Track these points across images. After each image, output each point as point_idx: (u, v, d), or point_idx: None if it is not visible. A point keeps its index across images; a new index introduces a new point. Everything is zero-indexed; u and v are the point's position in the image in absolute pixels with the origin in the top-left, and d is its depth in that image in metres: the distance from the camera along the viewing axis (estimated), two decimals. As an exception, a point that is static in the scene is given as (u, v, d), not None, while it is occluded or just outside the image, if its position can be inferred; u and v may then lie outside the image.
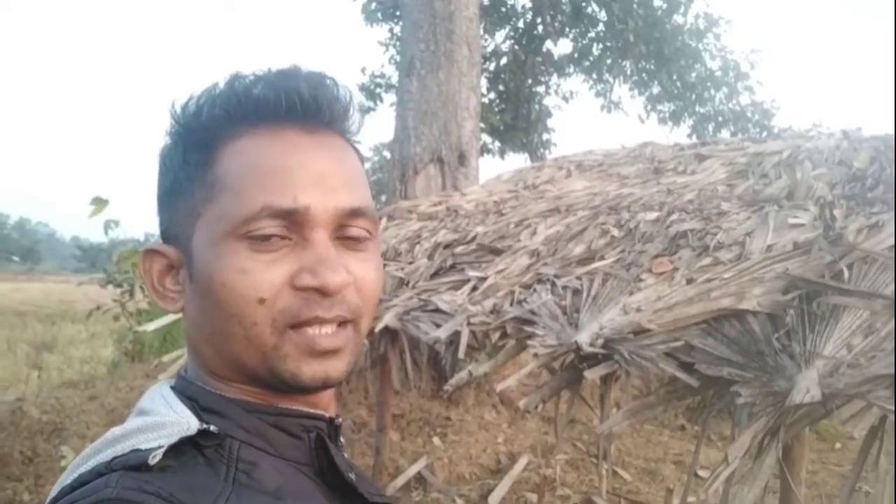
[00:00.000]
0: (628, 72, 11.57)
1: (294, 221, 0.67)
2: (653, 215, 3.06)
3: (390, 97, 11.89)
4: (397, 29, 11.26)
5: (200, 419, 0.65)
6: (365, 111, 12.06)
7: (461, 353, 2.37)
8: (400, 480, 5.18)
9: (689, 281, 2.26)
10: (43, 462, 4.88)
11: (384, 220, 4.41)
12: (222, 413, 0.68)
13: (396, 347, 3.17)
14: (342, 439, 0.78)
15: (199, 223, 0.69)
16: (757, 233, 2.53)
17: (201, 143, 0.70)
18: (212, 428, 0.64)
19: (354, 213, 0.70)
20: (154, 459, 0.59)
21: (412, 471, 5.31)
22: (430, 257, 3.41)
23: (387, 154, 16.18)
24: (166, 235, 0.74)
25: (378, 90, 12.60)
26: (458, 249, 3.37)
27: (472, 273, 2.96)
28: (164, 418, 0.66)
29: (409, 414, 6.28)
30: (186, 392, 0.71)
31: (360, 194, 0.72)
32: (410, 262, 3.43)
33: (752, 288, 2.07)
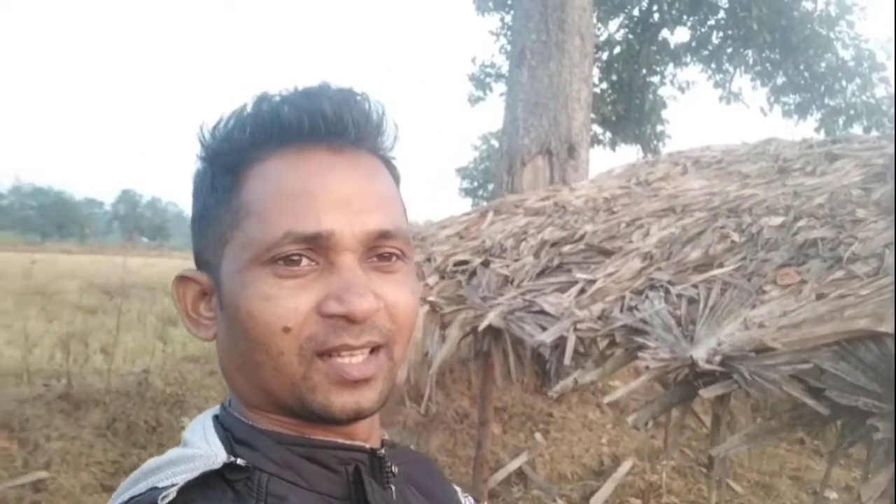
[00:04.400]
0: (750, 61, 10.98)
1: (319, 246, 0.64)
2: (778, 220, 2.87)
3: (500, 87, 11.83)
4: (508, 18, 11.15)
5: (233, 451, 0.65)
6: (474, 101, 12.07)
7: (567, 360, 2.30)
8: (500, 474, 5.16)
9: (820, 296, 2.09)
10: (165, 431, 5.20)
11: (490, 215, 4.37)
12: (253, 445, 0.66)
13: (499, 345, 3.13)
14: (394, 469, 0.72)
15: (226, 249, 0.67)
16: (898, 244, 2.31)
17: (228, 167, 0.69)
18: (238, 461, 0.63)
19: (384, 236, 0.67)
20: (164, 501, 0.58)
21: (513, 465, 5.28)
22: (537, 255, 3.35)
23: (495, 143, 16.10)
24: (199, 261, 0.73)
25: (488, 80, 12.54)
26: (566, 248, 3.29)
27: (580, 275, 2.87)
28: (195, 451, 0.65)
29: (512, 408, 6.24)
30: (225, 422, 0.70)
31: (391, 215, 0.69)
32: (515, 260, 3.38)
33: (891, 308, 1.88)
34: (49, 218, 70.42)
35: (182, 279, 0.72)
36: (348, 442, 0.69)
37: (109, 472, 4.46)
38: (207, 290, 0.71)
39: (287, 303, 0.63)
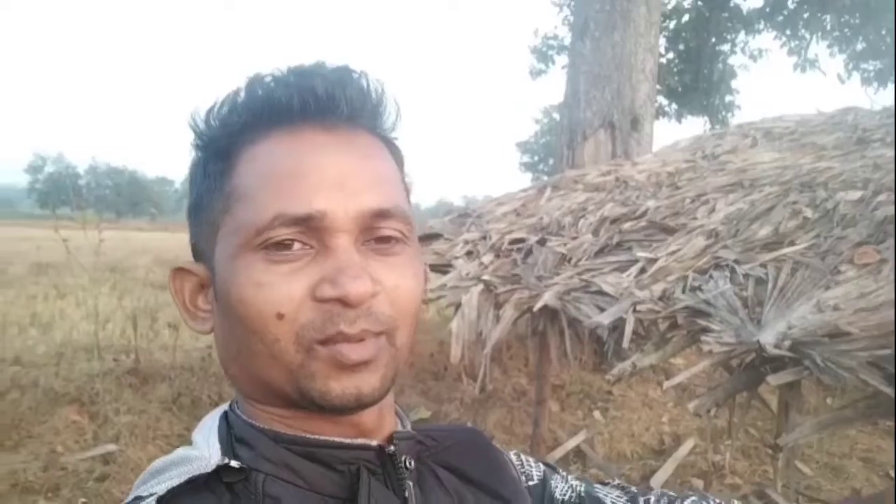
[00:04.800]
0: (828, 26, 10.41)
1: (311, 228, 0.60)
2: (856, 195, 2.69)
3: (563, 59, 11.57)
4: (572, -12, 10.86)
5: (231, 451, 0.63)
6: (536, 74, 11.86)
7: (625, 343, 2.21)
8: (558, 453, 5.10)
9: (902, 276, 1.95)
10: (227, 406, 5.33)
11: (548, 191, 4.27)
12: (250, 444, 0.64)
13: (556, 326, 3.05)
14: (410, 463, 0.67)
15: (219, 236, 0.64)
16: None
17: (220, 152, 0.65)
18: (232, 463, 0.60)
19: (381, 215, 0.62)
20: None
21: (571, 444, 5.21)
22: (596, 233, 3.24)
23: (556, 117, 15.84)
24: (195, 252, 0.69)
25: (550, 52, 12.30)
26: (627, 226, 3.17)
27: (640, 253, 2.76)
28: (193, 452, 0.63)
29: (570, 385, 6.16)
30: (230, 420, 0.67)
31: (389, 194, 0.64)
32: (574, 238, 3.28)
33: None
34: (124, 196, 73.27)
35: (179, 271, 0.69)
36: (348, 441, 0.64)
37: (175, 445, 4.53)
38: (205, 282, 0.67)
39: (280, 289, 0.59)
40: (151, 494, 0.58)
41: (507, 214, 4.02)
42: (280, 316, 0.60)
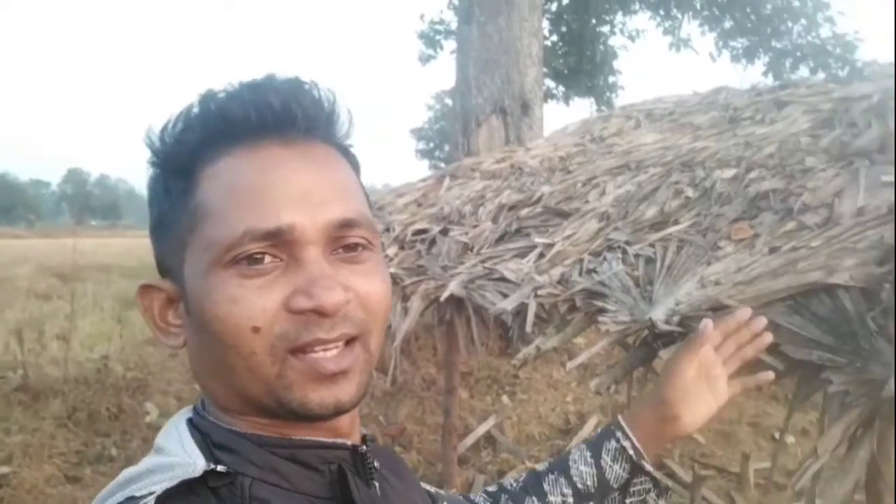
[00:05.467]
0: (698, 6, 11.00)
1: (281, 241, 0.63)
2: (730, 173, 2.88)
3: (451, 44, 11.66)
4: (456, -27, 10.93)
5: (212, 456, 0.64)
6: (425, 60, 11.91)
7: (528, 327, 2.30)
8: (469, 440, 5.22)
9: (773, 250, 2.12)
10: (128, 418, 5.13)
11: (447, 180, 4.34)
12: (233, 449, 0.65)
13: (462, 314, 3.12)
14: (377, 464, 0.72)
15: (187, 253, 0.66)
16: (847, 193, 2.34)
17: (180, 169, 0.67)
18: (219, 468, 0.62)
19: (347, 225, 0.66)
20: None
21: (481, 430, 5.34)
22: (495, 220, 3.33)
23: (449, 102, 15.93)
24: (161, 268, 0.71)
25: (438, 37, 12.36)
26: (524, 212, 3.28)
27: (538, 239, 2.87)
28: (173, 458, 0.64)
29: (478, 372, 6.30)
30: (200, 427, 0.69)
31: (352, 204, 0.67)
32: (474, 226, 3.36)
33: (843, 259, 1.91)
34: (-6, 201, 68.20)
35: (146, 288, 0.70)
36: (329, 440, 0.68)
37: (73, 463, 4.40)
38: (174, 297, 0.69)
39: (254, 302, 0.61)
40: (150, 493, 0.59)
41: (409, 205, 4.06)
42: (256, 329, 0.62)
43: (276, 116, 0.64)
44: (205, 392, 0.71)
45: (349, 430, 0.71)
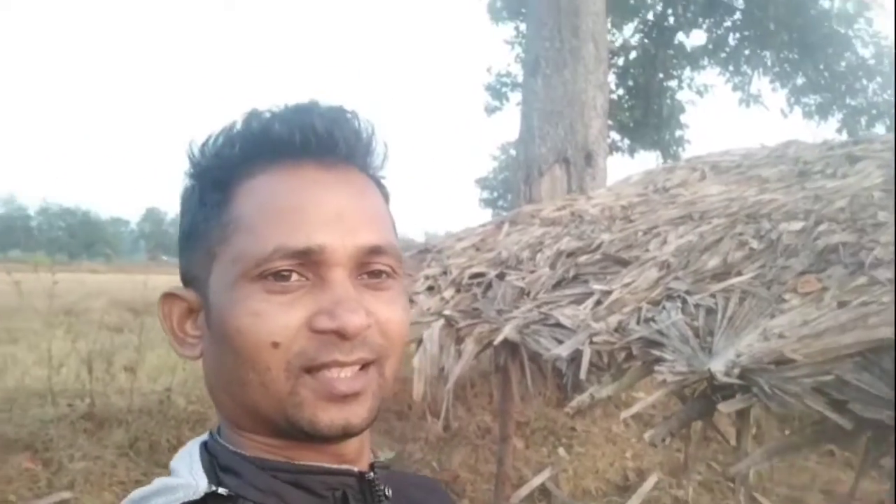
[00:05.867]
0: (769, 62, 10.85)
1: (310, 261, 0.63)
2: (797, 225, 2.80)
3: (516, 96, 11.81)
4: (523, 27, 11.13)
5: (217, 479, 0.64)
6: (491, 111, 12.05)
7: (582, 374, 2.26)
8: (524, 491, 5.09)
9: (841, 304, 2.04)
10: (187, 451, 5.20)
11: (506, 226, 4.35)
12: (237, 472, 0.65)
13: (517, 359, 3.09)
14: (387, 491, 0.71)
15: (215, 265, 0.66)
16: (923, 248, 2.25)
17: (218, 182, 0.68)
18: (220, 490, 0.62)
19: (375, 251, 0.66)
20: None
21: (536, 482, 5.21)
22: (553, 266, 3.31)
23: (513, 153, 16.08)
24: (186, 278, 0.72)
25: (504, 89, 12.53)
26: (582, 259, 3.25)
27: (596, 286, 2.83)
28: (178, 480, 0.64)
29: (534, 422, 6.17)
30: (211, 449, 0.69)
31: (381, 231, 0.68)
32: (532, 272, 3.34)
33: (917, 315, 1.82)
34: (77, 238, 71.70)
35: (168, 296, 0.71)
36: (334, 466, 0.67)
37: (132, 492, 4.48)
38: (194, 308, 0.69)
39: (276, 318, 0.62)
40: None
41: (467, 249, 4.08)
42: (275, 345, 0.62)
43: (318, 140, 0.66)
44: (216, 406, 0.71)
45: (357, 456, 0.70)
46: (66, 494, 4.28)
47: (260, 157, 0.67)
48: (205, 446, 0.70)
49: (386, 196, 0.74)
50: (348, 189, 0.67)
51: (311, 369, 0.62)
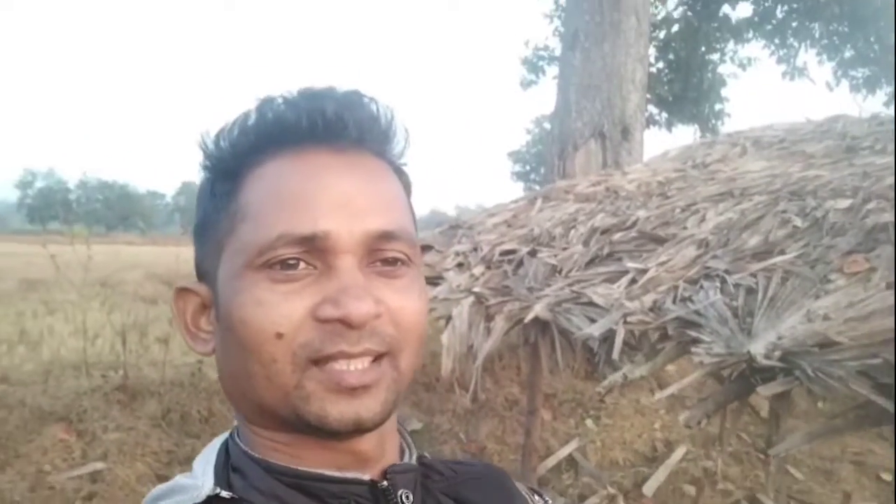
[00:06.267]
0: (817, 35, 10.50)
1: (316, 248, 0.60)
2: (845, 203, 2.69)
3: (553, 70, 11.62)
4: (563, 0, 10.91)
5: (227, 479, 0.63)
6: (527, 84, 11.93)
7: (615, 354, 2.20)
8: (550, 462, 5.08)
9: (890, 285, 1.94)
10: (218, 422, 5.28)
11: (539, 202, 4.27)
12: (244, 473, 0.63)
13: (547, 337, 3.03)
14: (408, 497, 0.65)
15: (223, 256, 0.64)
16: (980, 228, 2.13)
17: (228, 172, 0.66)
18: (223, 493, 0.60)
19: (386, 237, 0.62)
20: None
21: (563, 452, 5.19)
22: (586, 244, 3.23)
23: (548, 126, 15.90)
24: (199, 272, 0.69)
25: (541, 63, 12.35)
26: (617, 236, 3.17)
27: (630, 264, 2.75)
28: (188, 481, 0.63)
29: (562, 394, 6.14)
30: (229, 448, 0.67)
31: (394, 217, 0.64)
32: (564, 248, 3.27)
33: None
34: (114, 210, 73.08)
35: (182, 291, 0.69)
36: (339, 475, 0.63)
37: (164, 462, 4.55)
38: (207, 303, 0.67)
39: (280, 308, 0.59)
40: None
41: (498, 226, 4.01)
42: (279, 335, 0.59)
43: (326, 123, 0.63)
44: (231, 402, 0.69)
45: (375, 456, 0.66)
46: (99, 465, 4.37)
47: (268, 144, 0.64)
48: (225, 444, 0.68)
49: (406, 184, 0.71)
50: (358, 173, 0.64)
51: (319, 361, 0.59)
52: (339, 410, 0.59)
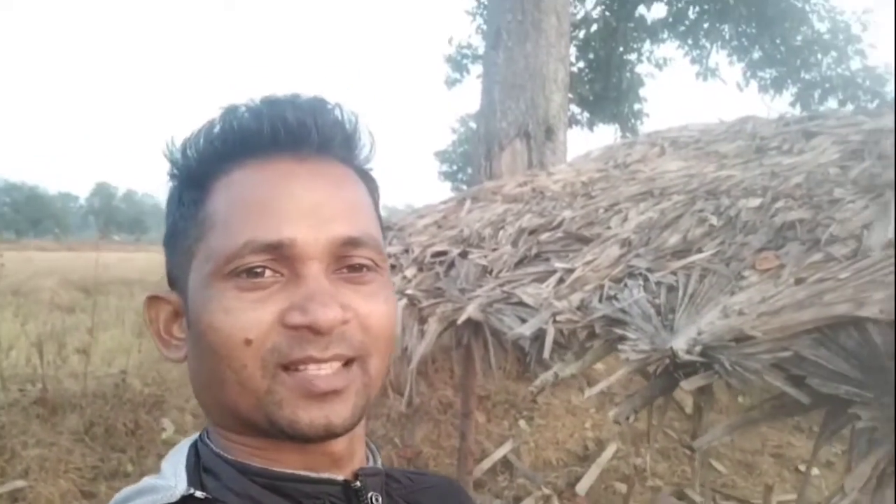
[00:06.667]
0: (727, 36, 10.98)
1: (282, 256, 0.61)
2: (755, 202, 2.84)
3: (477, 68, 11.73)
4: (484, -2, 11.04)
5: (198, 481, 0.63)
6: (451, 83, 11.97)
7: (546, 353, 2.27)
8: (486, 464, 5.15)
9: (799, 280, 2.07)
10: (145, 434, 5.12)
11: (468, 203, 4.32)
12: (217, 474, 0.64)
13: (479, 338, 3.09)
14: (377, 499, 0.68)
15: (193, 264, 0.65)
16: (876, 225, 2.29)
17: (195, 180, 0.67)
18: (197, 493, 0.61)
19: (352, 243, 0.64)
20: None
21: (498, 454, 5.27)
22: (515, 244, 3.31)
23: (474, 126, 16.03)
24: (170, 280, 0.71)
25: (465, 61, 12.44)
26: (544, 236, 3.25)
27: (558, 264, 2.83)
28: (160, 482, 0.64)
29: (495, 396, 6.23)
30: (199, 449, 0.68)
31: (360, 223, 0.66)
32: (494, 249, 3.33)
33: (872, 291, 1.86)
34: (24, 214, 69.48)
35: (153, 299, 0.70)
36: (314, 475, 0.65)
37: (89, 478, 4.39)
38: (179, 310, 0.68)
39: (248, 315, 0.60)
40: None
41: (429, 227, 4.05)
42: (248, 342, 0.60)
43: (289, 131, 0.64)
44: (203, 408, 0.70)
45: (345, 456, 0.67)
46: (20, 483, 4.18)
47: (234, 153, 0.65)
48: (194, 447, 0.68)
49: (372, 189, 0.72)
50: (323, 180, 0.65)
51: (288, 366, 0.60)
52: (310, 416, 0.61)
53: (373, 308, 0.65)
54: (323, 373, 0.61)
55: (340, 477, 0.66)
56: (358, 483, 0.67)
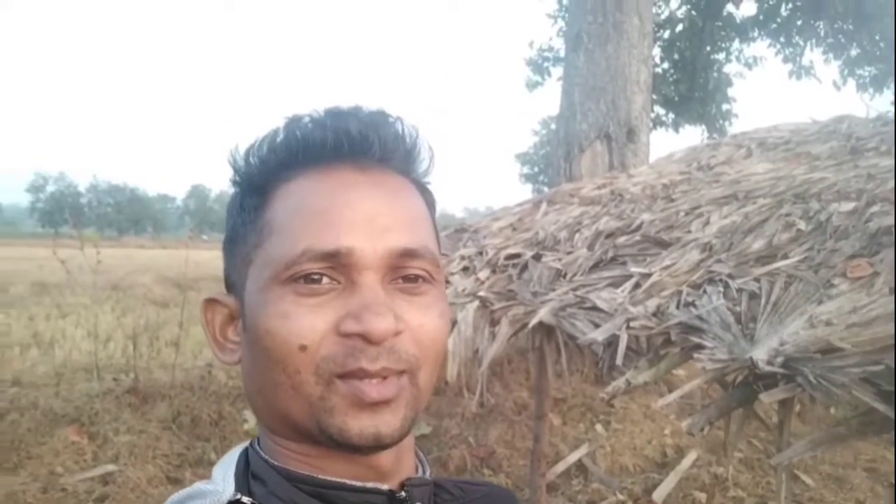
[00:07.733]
0: (822, 33, 10.45)
1: (340, 264, 0.62)
2: (849, 206, 2.68)
3: (559, 71, 11.61)
4: (566, 0, 10.91)
5: (247, 486, 0.65)
6: (532, 86, 11.93)
7: (619, 360, 2.21)
8: (560, 467, 5.08)
9: (892, 290, 1.94)
10: (228, 424, 5.32)
11: (544, 205, 4.27)
12: (264, 480, 0.65)
13: (552, 341, 3.04)
14: None
15: (251, 269, 0.67)
16: (984, 231, 2.13)
17: (256, 187, 0.69)
18: (244, 499, 0.63)
19: (408, 254, 0.65)
20: None
21: (573, 458, 5.19)
22: (590, 248, 3.24)
23: (554, 127, 15.89)
24: (227, 284, 0.73)
25: (546, 64, 12.34)
26: (621, 240, 3.17)
27: (634, 268, 2.76)
28: (208, 486, 0.65)
29: (571, 398, 6.15)
30: (249, 455, 0.70)
31: (417, 234, 0.66)
32: (569, 252, 3.28)
33: (976, 303, 1.72)
34: (125, 214, 73.49)
35: (210, 302, 0.72)
36: (359, 484, 0.65)
37: (175, 465, 4.59)
38: (235, 314, 0.70)
39: (304, 321, 0.61)
40: None
41: (504, 229, 4.02)
42: (303, 348, 0.61)
43: (352, 142, 0.65)
44: (254, 412, 0.71)
45: (392, 470, 0.67)
46: (111, 467, 4.41)
47: (296, 162, 0.66)
48: (245, 453, 0.70)
49: (430, 202, 0.73)
50: (382, 191, 0.66)
51: (342, 376, 0.61)
52: (360, 426, 0.61)
53: (426, 320, 0.65)
54: (374, 381, 0.61)
55: (386, 486, 0.66)
56: (403, 493, 0.67)
